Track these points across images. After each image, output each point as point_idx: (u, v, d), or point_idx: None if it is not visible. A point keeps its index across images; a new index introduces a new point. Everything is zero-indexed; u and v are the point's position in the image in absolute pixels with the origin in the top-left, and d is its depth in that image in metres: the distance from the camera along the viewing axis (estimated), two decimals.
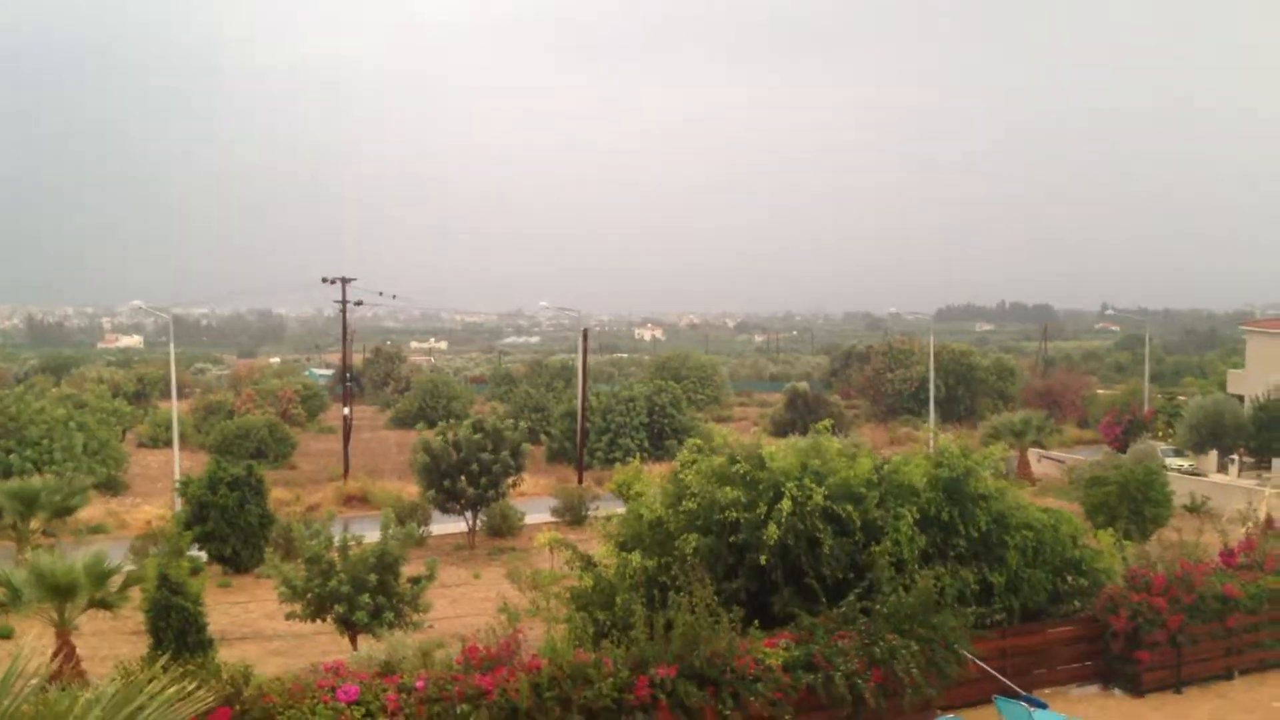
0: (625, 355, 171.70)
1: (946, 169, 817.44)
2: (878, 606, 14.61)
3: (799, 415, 72.70)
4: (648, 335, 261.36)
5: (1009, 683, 15.27)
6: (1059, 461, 58.13)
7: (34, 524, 35.23)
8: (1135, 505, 34.42)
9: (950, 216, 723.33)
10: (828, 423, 18.01)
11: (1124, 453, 49.40)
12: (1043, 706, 14.28)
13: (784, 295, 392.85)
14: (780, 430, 62.81)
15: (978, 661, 15.24)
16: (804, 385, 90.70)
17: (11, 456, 49.94)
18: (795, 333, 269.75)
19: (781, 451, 16.98)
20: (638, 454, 56.15)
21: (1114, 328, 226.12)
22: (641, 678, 11.99)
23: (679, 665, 12.46)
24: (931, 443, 20.42)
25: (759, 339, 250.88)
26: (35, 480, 36.93)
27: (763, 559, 14.98)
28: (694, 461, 17.05)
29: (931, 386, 71.99)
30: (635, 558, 16.06)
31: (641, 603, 13.93)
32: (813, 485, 15.40)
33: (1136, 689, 16.97)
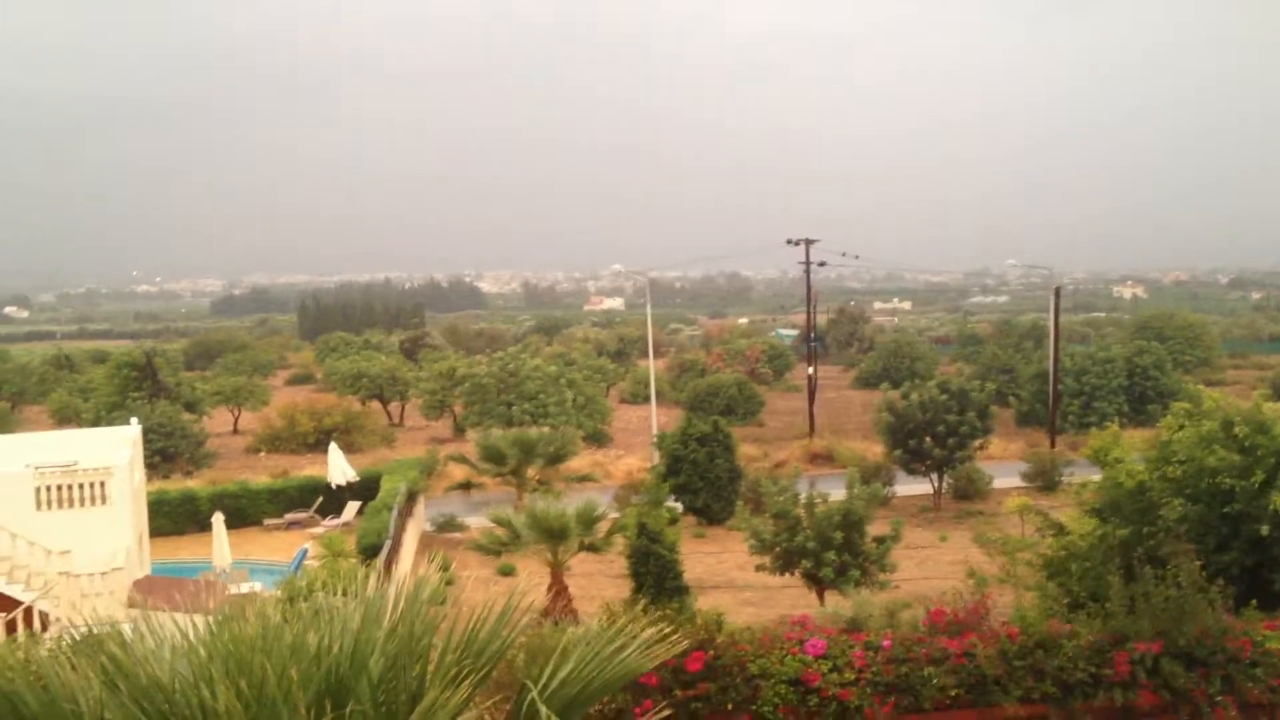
0: (1102, 314, 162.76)
1: None
2: None
3: None
4: (1127, 293, 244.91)
5: None
6: None
7: (531, 471, 38.75)
8: None
9: None
10: None
11: None
12: None
13: None
14: None
15: None
16: None
17: (513, 409, 55.40)
18: None
19: None
20: (1116, 419, 52.95)
21: None
22: (1121, 653, 11.32)
23: (1163, 642, 11.65)
24: None
25: (1256, 296, 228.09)
26: (533, 431, 40.66)
27: (1263, 530, 13.70)
28: (1182, 426, 15.84)
29: None
30: (1110, 526, 15.23)
31: (1117, 573, 13.16)
32: None
33: None
